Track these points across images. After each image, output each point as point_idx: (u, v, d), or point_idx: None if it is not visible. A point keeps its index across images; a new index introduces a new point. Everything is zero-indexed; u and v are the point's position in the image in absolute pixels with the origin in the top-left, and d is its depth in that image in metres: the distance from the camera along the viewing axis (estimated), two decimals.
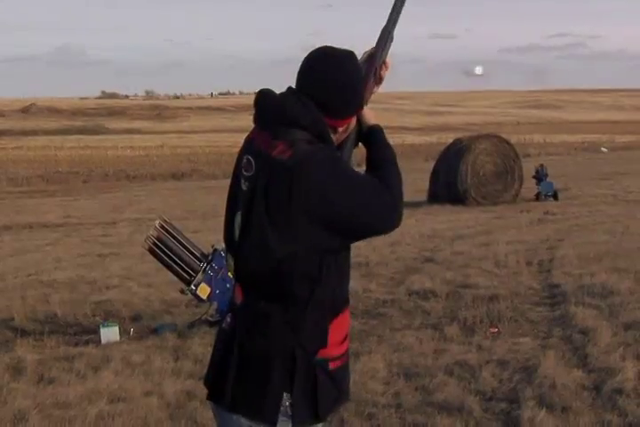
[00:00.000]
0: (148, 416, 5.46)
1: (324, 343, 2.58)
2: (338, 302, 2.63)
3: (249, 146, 2.69)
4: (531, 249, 12.23)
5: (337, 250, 2.59)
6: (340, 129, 2.72)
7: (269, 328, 2.58)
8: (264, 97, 2.68)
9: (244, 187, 2.64)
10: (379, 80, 2.85)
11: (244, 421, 2.60)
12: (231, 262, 2.71)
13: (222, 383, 2.64)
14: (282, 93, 2.66)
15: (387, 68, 2.87)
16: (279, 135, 2.58)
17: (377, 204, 2.57)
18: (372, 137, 2.78)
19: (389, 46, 2.90)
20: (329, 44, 2.70)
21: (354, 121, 2.76)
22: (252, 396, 2.58)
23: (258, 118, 2.69)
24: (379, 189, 2.59)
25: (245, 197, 2.61)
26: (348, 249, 2.66)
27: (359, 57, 2.78)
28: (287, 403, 2.55)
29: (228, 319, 2.72)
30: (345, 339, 2.68)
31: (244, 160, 2.66)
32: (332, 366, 2.61)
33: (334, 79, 2.63)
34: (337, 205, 2.50)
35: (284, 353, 2.56)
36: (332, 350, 2.61)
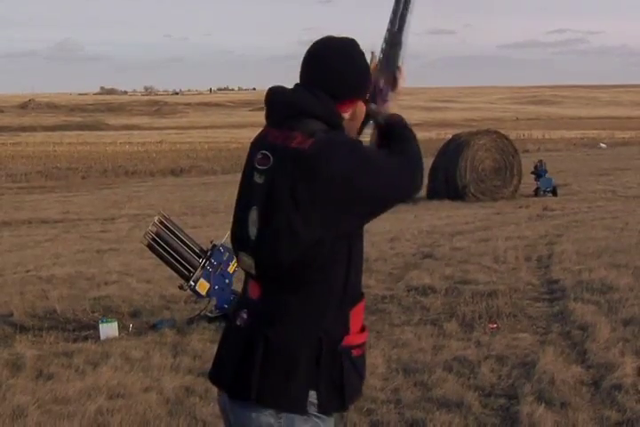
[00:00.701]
0: (147, 412, 5.46)
1: (347, 331, 2.61)
2: (356, 291, 2.67)
3: (261, 142, 2.69)
4: (530, 245, 12.23)
5: (361, 229, 2.66)
6: (347, 115, 2.69)
7: (294, 319, 2.58)
8: (274, 93, 2.70)
9: (259, 180, 2.62)
10: (393, 88, 2.84)
11: (269, 414, 2.58)
12: (246, 260, 2.68)
13: (246, 379, 2.61)
14: (291, 88, 2.69)
15: (401, 74, 2.86)
16: (295, 127, 2.60)
17: (401, 179, 2.65)
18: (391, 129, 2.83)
19: (399, 53, 2.86)
20: None
21: (362, 108, 2.73)
22: (280, 387, 2.58)
23: (270, 115, 2.70)
24: (401, 163, 2.67)
25: (262, 190, 2.60)
26: (362, 240, 2.68)
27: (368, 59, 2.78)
28: (314, 391, 2.56)
29: (244, 315, 2.68)
30: (364, 328, 2.71)
31: (259, 156, 2.65)
32: (355, 353, 2.63)
33: (337, 64, 2.64)
34: (364, 189, 2.55)
35: (310, 342, 2.56)
36: (355, 338, 2.63)
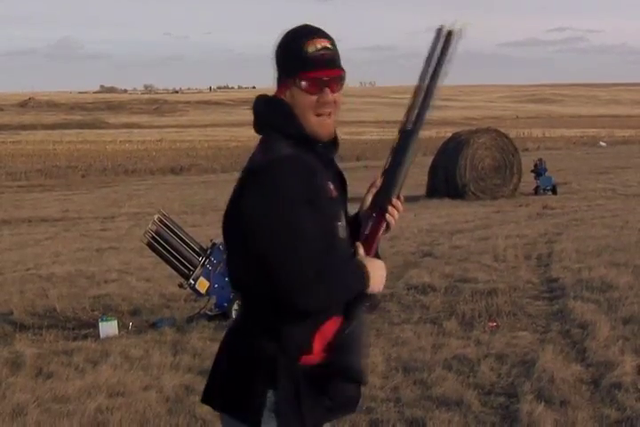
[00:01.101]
0: (146, 411, 5.46)
1: (306, 351, 2.50)
2: (322, 311, 2.50)
3: None
4: (529, 243, 12.23)
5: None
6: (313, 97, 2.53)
7: (252, 332, 2.54)
8: (254, 103, 2.67)
9: None
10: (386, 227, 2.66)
11: (233, 421, 2.59)
12: None
13: (213, 384, 2.65)
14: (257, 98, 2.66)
15: (397, 210, 2.66)
16: (261, 139, 2.59)
17: (287, 267, 2.38)
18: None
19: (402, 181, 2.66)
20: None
21: (299, 94, 2.53)
22: (236, 395, 2.57)
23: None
24: (319, 256, 2.40)
25: None
26: None
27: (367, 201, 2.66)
28: (272, 401, 2.50)
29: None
30: (337, 347, 2.55)
31: None
32: (318, 373, 2.51)
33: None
34: (256, 237, 2.42)
35: (266, 357, 2.51)
36: (318, 358, 2.51)
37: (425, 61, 2.62)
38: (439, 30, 2.61)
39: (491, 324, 7.53)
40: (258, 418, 2.51)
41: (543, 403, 5.30)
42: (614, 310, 7.71)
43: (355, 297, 2.53)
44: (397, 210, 2.64)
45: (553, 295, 8.64)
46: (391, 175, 2.64)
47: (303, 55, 2.49)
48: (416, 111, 2.63)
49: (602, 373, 5.90)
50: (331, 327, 2.53)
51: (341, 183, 2.65)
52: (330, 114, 2.54)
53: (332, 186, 2.54)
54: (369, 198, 2.67)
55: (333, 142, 2.66)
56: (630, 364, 5.98)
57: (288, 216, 2.40)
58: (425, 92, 2.63)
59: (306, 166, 2.45)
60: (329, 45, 2.52)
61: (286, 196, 2.40)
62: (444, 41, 2.61)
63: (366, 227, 2.64)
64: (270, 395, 2.49)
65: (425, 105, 2.63)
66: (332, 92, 2.53)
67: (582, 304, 7.90)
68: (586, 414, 5.11)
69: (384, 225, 2.64)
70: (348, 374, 2.51)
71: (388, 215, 2.63)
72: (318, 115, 2.53)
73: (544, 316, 7.82)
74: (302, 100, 2.52)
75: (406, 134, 2.64)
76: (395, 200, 2.64)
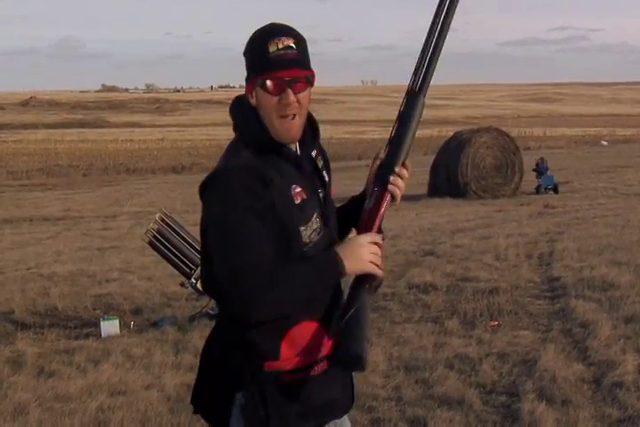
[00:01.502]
0: (148, 410, 5.47)
1: (272, 357, 2.47)
2: (288, 317, 2.45)
3: None
4: (531, 242, 12.23)
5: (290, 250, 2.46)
6: (252, 100, 2.51)
7: (224, 335, 2.54)
8: (230, 104, 2.66)
9: None
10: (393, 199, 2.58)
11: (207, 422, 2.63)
12: None
13: (195, 385, 2.67)
14: None
15: (402, 177, 2.58)
16: (231, 140, 2.61)
17: (226, 265, 2.34)
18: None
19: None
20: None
21: (262, 95, 2.47)
22: (208, 397, 2.58)
23: None
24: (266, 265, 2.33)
25: None
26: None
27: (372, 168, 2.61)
28: (241, 404, 2.49)
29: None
30: (311, 351, 2.51)
31: None
32: (286, 379, 2.48)
33: None
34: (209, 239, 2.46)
35: (233, 361, 2.50)
36: (286, 364, 2.48)
37: (432, 19, 2.57)
38: None
39: (492, 323, 7.53)
40: (226, 420, 2.51)
41: (544, 402, 5.31)
42: (616, 309, 7.70)
43: (355, 284, 2.47)
44: (402, 177, 2.56)
45: (554, 294, 8.64)
46: (395, 144, 2.57)
47: (264, 55, 2.43)
48: (422, 70, 2.57)
49: (603, 372, 5.90)
50: (301, 333, 2.48)
51: (321, 179, 2.60)
52: (294, 116, 2.46)
53: (298, 189, 2.47)
54: (372, 173, 2.60)
55: (313, 137, 2.61)
56: (632, 363, 5.98)
57: (229, 227, 2.36)
58: (431, 52, 2.57)
59: (256, 177, 2.39)
60: (292, 44, 2.43)
61: (230, 207, 2.36)
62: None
63: (370, 201, 2.56)
64: (239, 397, 2.49)
65: (431, 65, 2.57)
66: (295, 92, 2.45)
67: (584, 303, 7.90)
68: (587, 414, 5.11)
69: (387, 197, 2.55)
70: (347, 360, 2.41)
71: (390, 186, 2.54)
72: (281, 116, 2.46)
73: (545, 315, 7.82)
74: (264, 100, 2.46)
75: (412, 95, 2.58)
76: (398, 168, 2.56)
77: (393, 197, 2.57)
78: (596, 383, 5.72)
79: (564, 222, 14.80)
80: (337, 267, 2.38)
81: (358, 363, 2.40)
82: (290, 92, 2.44)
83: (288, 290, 2.33)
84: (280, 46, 2.42)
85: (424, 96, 2.58)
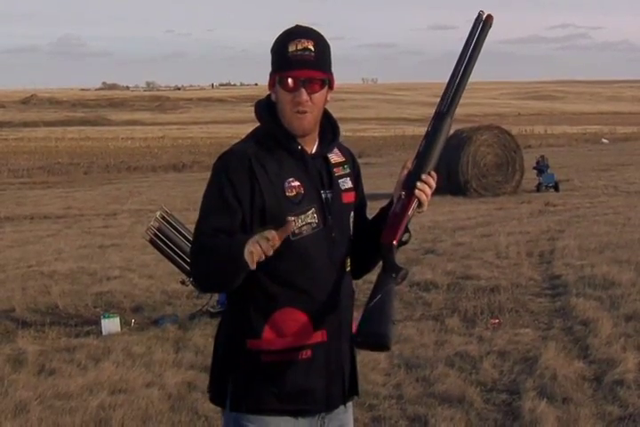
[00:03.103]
0: (148, 407, 5.47)
1: (254, 335, 2.62)
2: (274, 298, 2.62)
3: None
4: (532, 240, 12.23)
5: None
6: (272, 95, 2.67)
7: (222, 320, 2.80)
8: None
9: None
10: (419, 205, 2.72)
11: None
12: None
13: None
14: None
15: (428, 185, 2.69)
16: None
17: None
18: None
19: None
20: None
21: (279, 92, 2.63)
22: (210, 380, 2.78)
23: None
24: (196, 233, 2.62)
25: None
26: (292, 255, 2.61)
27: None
28: (231, 386, 2.66)
29: None
30: (294, 337, 2.63)
31: None
32: (265, 358, 2.62)
33: None
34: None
35: (221, 340, 2.72)
36: (267, 344, 2.62)
37: (464, 45, 2.70)
38: (479, 16, 2.69)
39: (493, 321, 7.54)
40: (223, 400, 2.69)
41: (545, 400, 5.31)
42: (616, 307, 7.71)
43: (382, 273, 2.66)
44: (429, 185, 2.67)
45: (555, 292, 8.64)
46: (422, 156, 2.68)
47: (284, 54, 2.59)
48: (451, 94, 2.69)
49: (604, 370, 5.90)
50: (285, 318, 2.62)
51: (330, 181, 2.71)
52: (305, 113, 2.61)
53: (295, 183, 2.62)
54: (401, 180, 2.70)
55: (333, 139, 2.75)
56: (632, 361, 5.99)
57: (204, 199, 2.65)
58: (460, 76, 2.70)
59: (243, 162, 2.59)
60: (311, 47, 2.59)
61: (209, 186, 2.65)
62: (482, 26, 2.69)
63: (396, 206, 2.69)
64: (232, 377, 2.66)
65: (459, 88, 2.70)
66: (309, 92, 2.59)
67: (584, 301, 7.90)
68: (588, 411, 5.12)
69: (414, 202, 2.67)
70: (372, 338, 2.55)
71: (417, 191, 2.65)
72: (294, 112, 2.61)
73: (546, 313, 7.82)
74: (280, 96, 2.62)
75: (440, 116, 2.71)
76: (425, 176, 2.66)
77: (420, 203, 2.69)
78: (597, 381, 5.72)
79: (564, 220, 14.80)
80: (240, 248, 2.40)
81: (383, 341, 2.55)
82: (303, 91, 2.59)
83: (202, 261, 2.52)
84: (299, 47, 2.59)
85: (451, 117, 2.71)
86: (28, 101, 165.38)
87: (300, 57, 2.57)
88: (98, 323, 7.95)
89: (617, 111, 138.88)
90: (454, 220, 15.75)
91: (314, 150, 2.70)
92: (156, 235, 8.18)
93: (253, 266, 2.38)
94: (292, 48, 2.58)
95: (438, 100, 2.70)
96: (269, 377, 2.62)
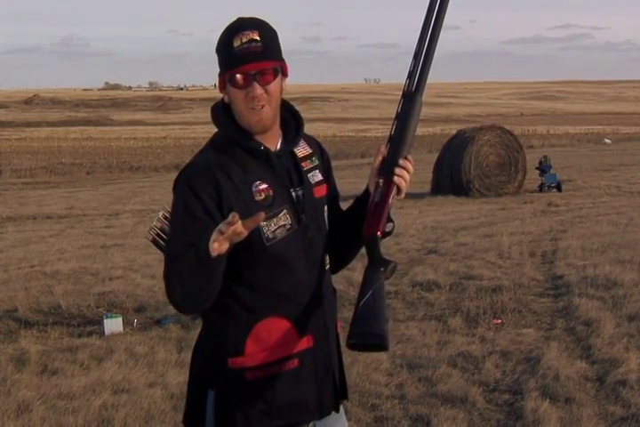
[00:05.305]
0: (151, 407, 5.47)
1: (237, 352, 2.50)
2: (254, 309, 2.51)
3: None
4: (534, 240, 12.22)
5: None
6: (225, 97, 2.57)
7: (199, 336, 2.69)
8: None
9: None
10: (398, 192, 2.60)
11: None
12: None
13: None
14: None
15: (406, 170, 2.59)
16: None
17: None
18: None
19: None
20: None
21: (232, 92, 2.52)
22: (185, 409, 2.66)
23: None
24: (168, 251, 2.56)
25: None
26: (268, 261, 2.52)
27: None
28: (213, 400, 2.53)
29: None
30: (278, 348, 2.52)
31: None
32: (250, 376, 2.50)
33: None
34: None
35: (197, 365, 2.60)
36: (251, 360, 2.50)
37: (422, 24, 2.61)
38: None
39: (495, 321, 7.53)
40: (202, 417, 2.53)
41: (548, 400, 5.31)
42: (619, 307, 7.70)
43: (370, 268, 2.51)
44: (407, 170, 2.57)
45: (558, 292, 8.64)
46: (396, 140, 2.58)
47: (230, 50, 2.47)
48: (417, 71, 2.60)
49: (607, 370, 5.90)
50: (267, 329, 2.51)
51: (299, 178, 2.60)
52: (263, 106, 2.49)
53: (263, 185, 2.51)
54: (376, 167, 2.60)
55: (297, 132, 2.63)
56: (635, 361, 5.99)
57: (172, 218, 2.57)
58: (424, 55, 2.60)
59: (204, 175, 2.47)
60: (257, 37, 2.46)
61: (174, 203, 2.53)
62: (440, 2, 2.61)
63: (375, 195, 2.57)
64: (211, 394, 2.52)
65: (426, 65, 2.60)
66: (262, 84, 2.47)
67: (587, 301, 7.90)
68: (591, 412, 5.11)
69: (393, 189, 2.56)
70: (368, 340, 2.41)
71: (396, 177, 2.55)
72: (250, 108, 2.49)
73: (549, 313, 7.82)
74: (233, 95, 2.51)
75: (409, 96, 2.60)
76: (402, 161, 2.56)
77: (398, 190, 2.57)
78: (600, 381, 5.72)
79: (567, 220, 14.79)
80: (205, 243, 2.28)
81: (380, 342, 2.41)
82: (256, 85, 2.47)
83: (179, 276, 2.42)
84: (244, 40, 2.45)
85: (421, 96, 2.60)
86: (30, 101, 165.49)
87: (247, 50, 2.44)
88: (100, 323, 7.95)
89: (620, 111, 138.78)
90: (457, 220, 15.75)
91: (278, 147, 2.58)
92: (158, 235, 8.17)
93: (215, 253, 2.24)
94: (236, 43, 2.45)
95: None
96: (256, 395, 2.50)
